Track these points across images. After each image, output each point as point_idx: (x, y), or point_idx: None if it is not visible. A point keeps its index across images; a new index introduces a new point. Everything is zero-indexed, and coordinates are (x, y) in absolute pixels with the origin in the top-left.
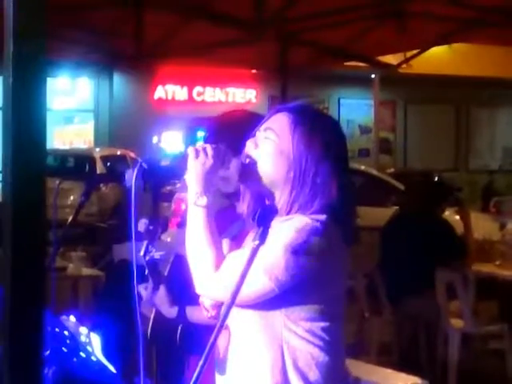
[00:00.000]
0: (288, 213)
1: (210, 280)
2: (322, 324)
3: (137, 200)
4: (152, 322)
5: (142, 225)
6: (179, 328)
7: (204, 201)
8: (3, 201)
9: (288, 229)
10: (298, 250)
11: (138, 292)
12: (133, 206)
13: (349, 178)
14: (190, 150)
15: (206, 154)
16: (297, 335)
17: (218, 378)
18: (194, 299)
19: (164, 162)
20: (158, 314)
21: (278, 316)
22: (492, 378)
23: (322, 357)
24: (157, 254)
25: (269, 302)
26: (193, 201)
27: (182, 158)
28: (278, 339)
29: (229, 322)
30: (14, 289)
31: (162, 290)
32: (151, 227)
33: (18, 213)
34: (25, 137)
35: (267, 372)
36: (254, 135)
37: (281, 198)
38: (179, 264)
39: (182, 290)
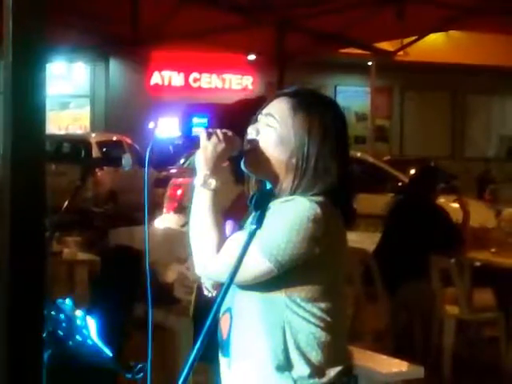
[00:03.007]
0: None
1: (211, 261)
2: (323, 305)
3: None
4: (194, 301)
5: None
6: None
7: (212, 184)
8: (1, 185)
9: (288, 210)
10: (298, 231)
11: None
12: (145, 192)
13: (349, 159)
14: (203, 132)
15: (219, 137)
16: (298, 316)
17: (221, 360)
18: None
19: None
20: (201, 292)
21: (280, 297)
22: (486, 365)
23: (323, 337)
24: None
25: (269, 283)
26: (200, 183)
27: (191, 139)
28: (279, 320)
29: (230, 304)
30: (12, 275)
31: None
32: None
33: (17, 197)
34: (25, 117)
35: (270, 353)
36: (256, 120)
37: (283, 183)
38: None
39: None
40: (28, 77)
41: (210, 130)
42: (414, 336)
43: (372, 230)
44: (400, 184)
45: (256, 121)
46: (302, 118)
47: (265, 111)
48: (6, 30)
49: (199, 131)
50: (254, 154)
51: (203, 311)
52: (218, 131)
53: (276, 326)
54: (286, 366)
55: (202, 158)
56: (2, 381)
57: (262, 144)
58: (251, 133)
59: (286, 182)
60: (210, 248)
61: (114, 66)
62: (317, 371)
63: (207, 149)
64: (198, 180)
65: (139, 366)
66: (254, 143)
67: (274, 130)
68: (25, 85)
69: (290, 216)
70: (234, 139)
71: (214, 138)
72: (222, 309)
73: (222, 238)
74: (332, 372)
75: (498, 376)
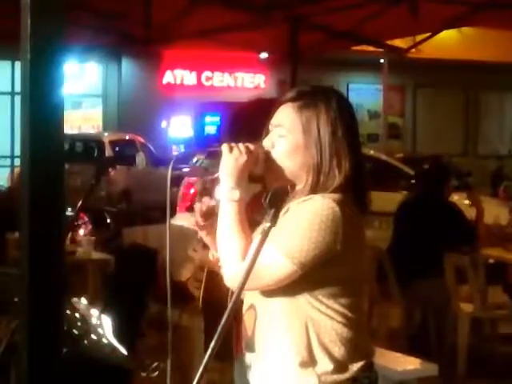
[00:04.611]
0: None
1: (237, 271)
2: (343, 301)
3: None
4: (204, 286)
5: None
6: (230, 291)
7: (236, 195)
8: (21, 185)
9: (306, 210)
10: (318, 231)
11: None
12: (168, 196)
13: (360, 147)
14: (224, 146)
15: (240, 150)
16: (320, 312)
17: (247, 355)
18: None
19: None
20: (209, 279)
21: (302, 294)
22: (501, 362)
23: (345, 332)
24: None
25: (292, 282)
26: (225, 195)
27: (214, 153)
28: (302, 317)
29: (254, 301)
30: (31, 274)
31: None
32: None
33: (35, 196)
34: (43, 115)
35: (293, 349)
36: (267, 131)
37: (304, 186)
38: None
39: None
40: (46, 75)
41: (232, 144)
42: (428, 333)
43: (385, 228)
44: (412, 181)
45: (268, 131)
46: (310, 121)
47: (274, 122)
48: (23, 28)
49: (222, 145)
50: (268, 165)
51: (213, 296)
52: (240, 145)
53: (299, 323)
54: (309, 361)
55: (225, 172)
56: (21, 378)
57: (278, 155)
58: (267, 145)
59: (306, 184)
60: (236, 259)
61: (127, 65)
62: (340, 366)
63: (229, 162)
64: (222, 192)
65: (154, 364)
66: (267, 153)
67: (287, 140)
68: (43, 83)
69: (308, 216)
70: (256, 151)
71: (235, 152)
72: (247, 304)
73: (248, 249)
74: (355, 367)
75: None
